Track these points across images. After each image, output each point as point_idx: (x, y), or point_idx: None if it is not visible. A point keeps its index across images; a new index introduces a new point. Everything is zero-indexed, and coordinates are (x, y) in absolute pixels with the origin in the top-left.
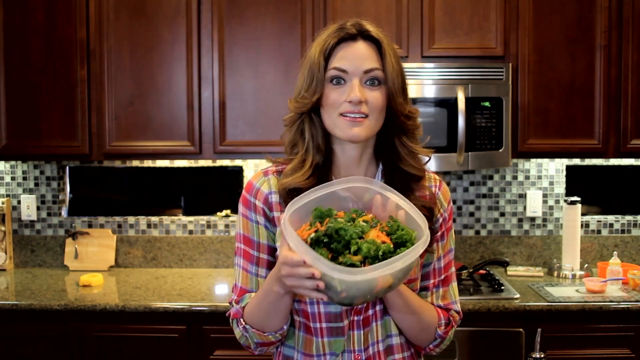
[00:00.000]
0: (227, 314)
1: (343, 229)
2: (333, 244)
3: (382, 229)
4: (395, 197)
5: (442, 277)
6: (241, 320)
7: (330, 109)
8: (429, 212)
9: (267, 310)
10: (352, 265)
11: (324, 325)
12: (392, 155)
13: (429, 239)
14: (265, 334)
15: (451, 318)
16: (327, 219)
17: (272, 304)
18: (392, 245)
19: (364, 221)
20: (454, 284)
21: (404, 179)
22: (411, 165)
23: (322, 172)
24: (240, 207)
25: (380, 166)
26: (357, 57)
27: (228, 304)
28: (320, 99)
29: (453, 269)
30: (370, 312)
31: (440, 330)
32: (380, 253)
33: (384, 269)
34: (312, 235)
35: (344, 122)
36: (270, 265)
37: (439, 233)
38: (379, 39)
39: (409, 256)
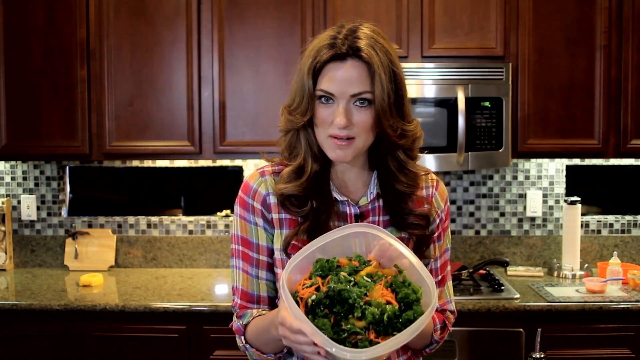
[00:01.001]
0: (229, 325)
1: (346, 290)
2: (336, 307)
3: (386, 284)
4: (399, 246)
5: (439, 277)
6: (242, 338)
7: (320, 127)
8: (425, 220)
9: (266, 342)
10: (355, 332)
11: None
12: (383, 168)
13: (437, 302)
14: (264, 356)
15: (446, 321)
16: (328, 276)
17: (271, 340)
18: (397, 307)
19: (367, 275)
20: (449, 283)
21: (398, 194)
22: (401, 181)
23: (320, 179)
24: (237, 208)
25: (375, 172)
26: (344, 80)
27: (229, 305)
28: (312, 117)
29: (449, 268)
30: None
31: (436, 335)
32: (385, 318)
33: (390, 345)
34: (313, 297)
35: (331, 144)
36: (270, 267)
37: (436, 234)
38: (369, 60)
39: (416, 328)
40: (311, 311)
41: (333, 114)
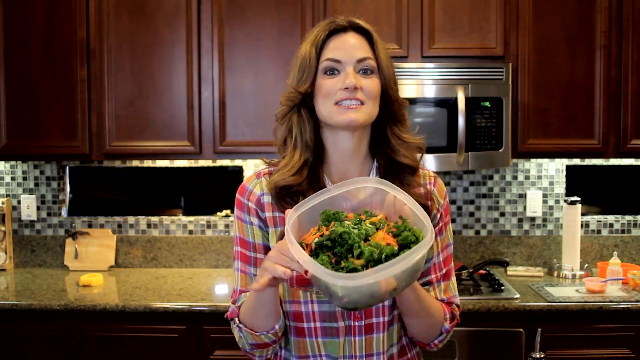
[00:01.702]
0: (225, 315)
1: (346, 232)
2: (337, 248)
3: (389, 230)
4: (401, 196)
5: (444, 271)
6: (236, 319)
7: (325, 98)
8: (425, 209)
9: (254, 305)
10: (354, 269)
11: (318, 325)
12: (385, 147)
13: (432, 239)
14: (257, 334)
15: (454, 312)
16: (332, 222)
17: (255, 298)
18: (396, 248)
19: (371, 223)
20: (454, 279)
21: (400, 173)
22: (404, 155)
23: (312, 169)
24: (235, 210)
25: (375, 162)
26: (349, 46)
27: (228, 304)
28: (313, 90)
29: (452, 264)
30: (374, 320)
31: (446, 324)
32: (383, 256)
33: (383, 272)
34: (317, 240)
35: (340, 109)
36: None
37: (437, 228)
38: (369, 30)
39: (409, 258)
40: (314, 255)
41: (339, 82)
